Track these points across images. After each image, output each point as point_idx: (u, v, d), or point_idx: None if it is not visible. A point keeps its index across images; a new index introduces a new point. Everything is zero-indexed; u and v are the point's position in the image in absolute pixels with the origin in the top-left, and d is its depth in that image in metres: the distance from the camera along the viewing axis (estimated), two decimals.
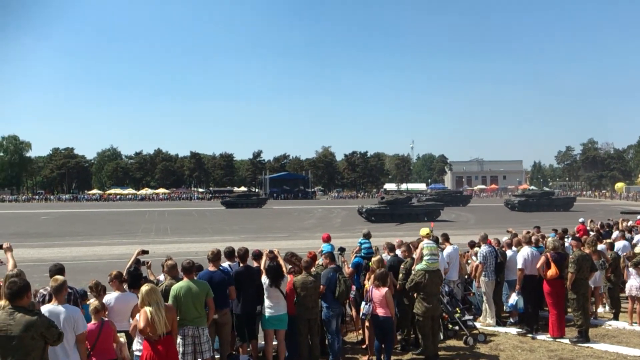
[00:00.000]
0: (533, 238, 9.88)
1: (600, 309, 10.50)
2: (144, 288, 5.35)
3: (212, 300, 6.37)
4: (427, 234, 8.03)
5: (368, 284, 7.80)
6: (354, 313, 8.74)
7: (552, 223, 27.55)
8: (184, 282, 6.22)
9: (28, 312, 4.20)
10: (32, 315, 4.18)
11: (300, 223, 36.51)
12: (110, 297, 6.38)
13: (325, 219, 41.63)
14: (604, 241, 11.35)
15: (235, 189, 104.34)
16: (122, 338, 5.91)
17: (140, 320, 5.27)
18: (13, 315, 4.13)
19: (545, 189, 73.90)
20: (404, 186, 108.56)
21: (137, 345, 5.83)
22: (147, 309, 5.22)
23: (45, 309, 4.81)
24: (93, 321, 5.60)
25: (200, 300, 6.20)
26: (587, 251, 9.39)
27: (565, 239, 11.85)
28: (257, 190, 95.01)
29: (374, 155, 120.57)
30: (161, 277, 7.44)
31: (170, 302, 5.97)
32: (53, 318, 4.53)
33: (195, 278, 6.42)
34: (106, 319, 5.85)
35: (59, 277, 5.18)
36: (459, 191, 67.48)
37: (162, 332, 5.24)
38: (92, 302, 5.82)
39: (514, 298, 9.01)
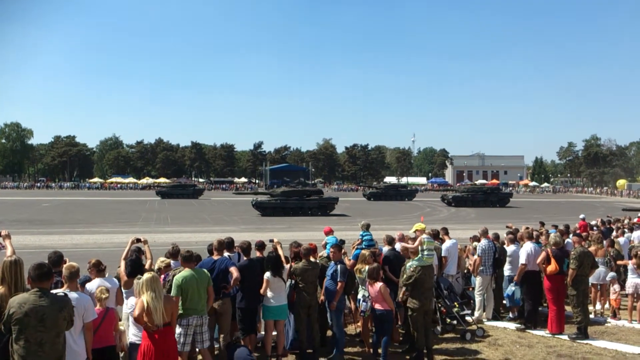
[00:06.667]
0: (534, 233, 9.86)
1: (598, 306, 10.48)
2: (146, 275, 5.32)
3: (211, 288, 6.37)
4: (424, 228, 8.06)
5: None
6: (352, 305, 8.75)
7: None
8: (187, 272, 6.19)
9: (55, 295, 4.19)
10: (62, 297, 4.16)
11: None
12: (92, 284, 6.18)
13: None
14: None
15: (236, 179, 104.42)
16: (122, 326, 5.89)
17: (135, 308, 5.26)
18: (44, 297, 4.09)
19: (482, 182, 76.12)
20: (404, 180, 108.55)
21: (133, 329, 5.83)
22: (144, 297, 5.19)
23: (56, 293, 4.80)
24: (98, 307, 5.58)
25: (205, 289, 6.22)
26: (592, 248, 9.36)
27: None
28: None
29: (375, 148, 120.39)
30: (156, 267, 7.39)
31: (174, 292, 5.95)
32: None
33: (195, 267, 6.41)
34: (111, 306, 5.82)
35: (74, 264, 5.22)
36: (404, 186, 71.55)
37: (160, 322, 5.19)
38: (99, 289, 5.78)
39: (510, 289, 9.03)
